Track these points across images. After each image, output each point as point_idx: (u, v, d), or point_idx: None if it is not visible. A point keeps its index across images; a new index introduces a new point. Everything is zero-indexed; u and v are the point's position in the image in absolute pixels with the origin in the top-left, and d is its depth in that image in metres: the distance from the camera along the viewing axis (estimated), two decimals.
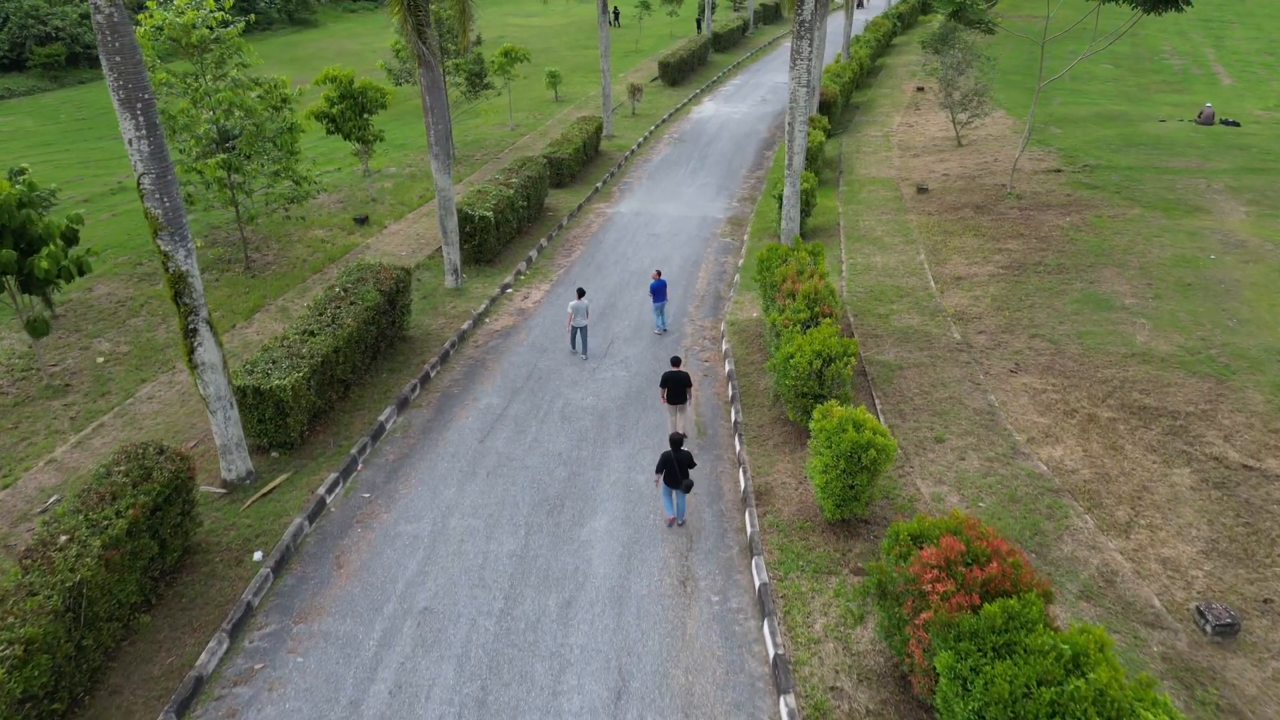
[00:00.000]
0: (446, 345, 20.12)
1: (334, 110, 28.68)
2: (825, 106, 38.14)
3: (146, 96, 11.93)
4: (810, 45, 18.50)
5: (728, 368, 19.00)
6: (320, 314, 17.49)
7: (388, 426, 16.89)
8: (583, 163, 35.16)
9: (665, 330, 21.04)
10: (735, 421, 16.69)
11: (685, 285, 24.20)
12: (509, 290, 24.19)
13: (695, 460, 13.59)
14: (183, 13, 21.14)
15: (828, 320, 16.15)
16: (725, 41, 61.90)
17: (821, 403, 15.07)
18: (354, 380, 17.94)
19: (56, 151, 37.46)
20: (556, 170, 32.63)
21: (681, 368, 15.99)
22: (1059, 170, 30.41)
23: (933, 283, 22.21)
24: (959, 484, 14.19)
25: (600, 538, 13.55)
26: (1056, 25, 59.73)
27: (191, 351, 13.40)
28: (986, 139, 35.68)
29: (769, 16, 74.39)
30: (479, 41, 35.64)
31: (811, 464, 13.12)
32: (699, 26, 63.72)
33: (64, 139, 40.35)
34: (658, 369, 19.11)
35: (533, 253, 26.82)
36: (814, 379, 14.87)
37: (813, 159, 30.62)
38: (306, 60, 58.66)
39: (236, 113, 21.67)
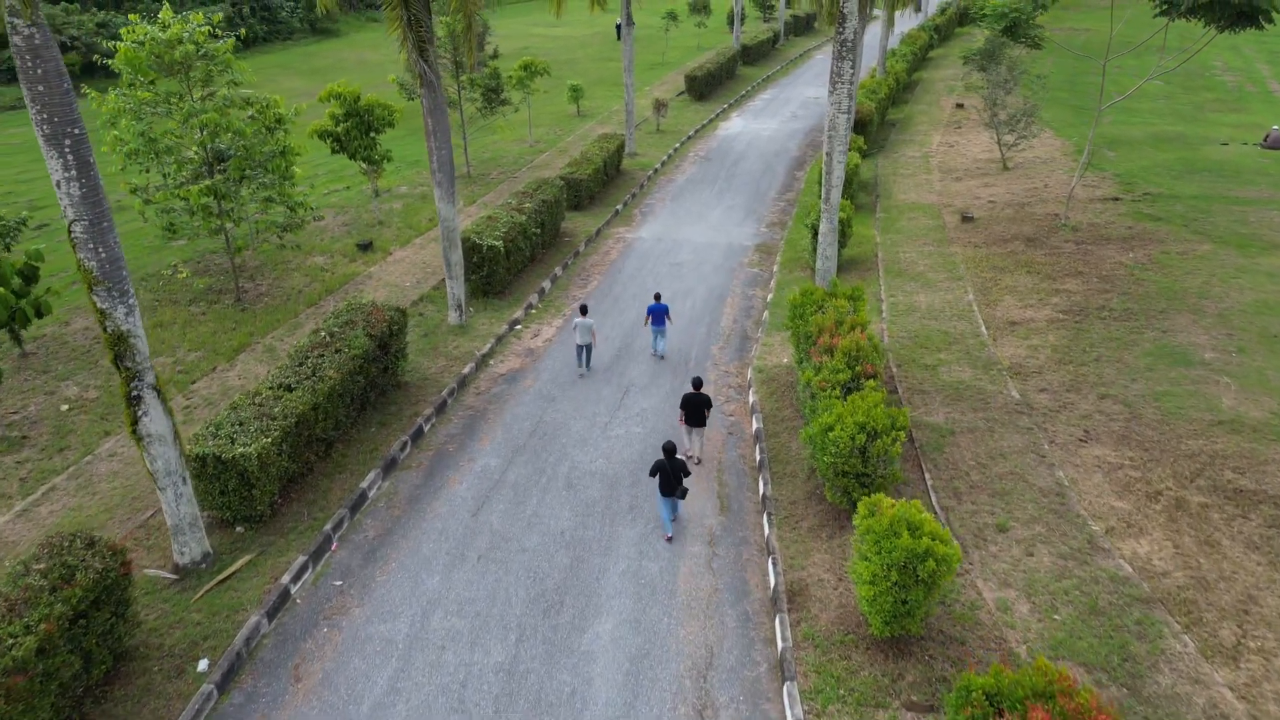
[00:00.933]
0: (444, 393, 18.24)
1: (339, 129, 27.04)
2: (860, 125, 36.03)
3: (76, 131, 10.14)
4: (853, 67, 16.48)
5: (755, 425, 16.97)
6: (300, 364, 15.67)
7: (370, 495, 15.01)
8: (603, 183, 33.31)
9: (663, 356, 20.02)
10: (763, 495, 14.65)
11: (709, 323, 22.20)
12: (518, 327, 22.31)
13: (689, 469, 13.81)
14: (167, 27, 19.48)
15: (871, 383, 14.09)
16: (754, 54, 59.97)
17: (865, 485, 13.04)
18: (338, 437, 16.10)
19: None
20: (574, 192, 30.80)
21: (703, 390, 15.66)
22: (1117, 199, 28.10)
23: (984, 328, 20.04)
24: (1028, 588, 12.05)
25: (604, 647, 11.55)
26: (1104, 39, 57.23)
27: (135, 422, 11.59)
28: (1034, 162, 33.39)
29: (800, 28, 72.37)
30: (496, 55, 33.95)
31: (855, 568, 11.05)
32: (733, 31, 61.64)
33: None
34: (676, 426, 17.15)
35: (546, 283, 24.95)
36: (857, 456, 12.81)
37: (848, 183, 28.55)
38: (325, 71, 57.45)
39: (224, 134, 19.99)
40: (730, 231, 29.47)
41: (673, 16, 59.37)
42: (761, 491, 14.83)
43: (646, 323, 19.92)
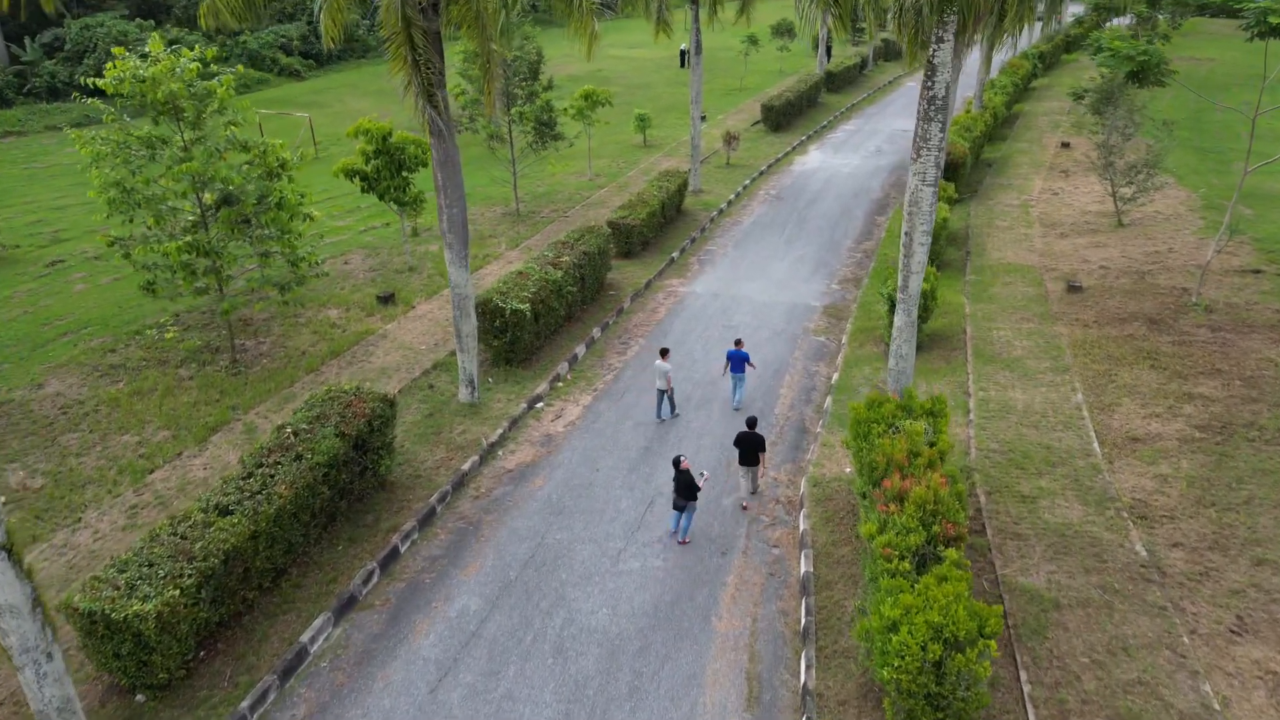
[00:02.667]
0: (434, 499, 15.42)
1: (368, 167, 24.72)
2: (952, 168, 32.17)
3: None
4: (942, 129, 13.13)
5: (803, 568, 13.64)
6: (248, 475, 13.03)
7: (313, 649, 12.20)
8: (659, 226, 30.32)
9: (738, 408, 18.83)
10: (804, 687, 11.31)
11: (761, 409, 18.93)
12: (539, 405, 19.43)
13: (700, 485, 14.16)
14: (158, 61, 17.28)
15: (954, 554, 10.67)
16: (840, 80, 56.32)
17: (939, 708, 9.63)
18: (291, 562, 13.41)
19: None
20: (625, 238, 27.90)
21: (755, 451, 15.19)
22: (1259, 271, 23.71)
23: (1096, 444, 16.25)
24: None
25: None
26: (1228, 71, 51.61)
27: None
28: (1154, 219, 29.05)
29: (890, 53, 68.32)
30: (550, 85, 31.37)
31: None
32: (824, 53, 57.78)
33: None
34: (708, 556, 13.99)
35: (580, 348, 22.03)
36: (929, 673, 9.42)
37: (934, 237, 24.89)
38: (391, 92, 55.99)
39: (217, 183, 17.69)
40: (796, 288, 26.15)
41: (753, 40, 56.21)
42: (803, 679, 11.50)
43: (725, 370, 19.02)
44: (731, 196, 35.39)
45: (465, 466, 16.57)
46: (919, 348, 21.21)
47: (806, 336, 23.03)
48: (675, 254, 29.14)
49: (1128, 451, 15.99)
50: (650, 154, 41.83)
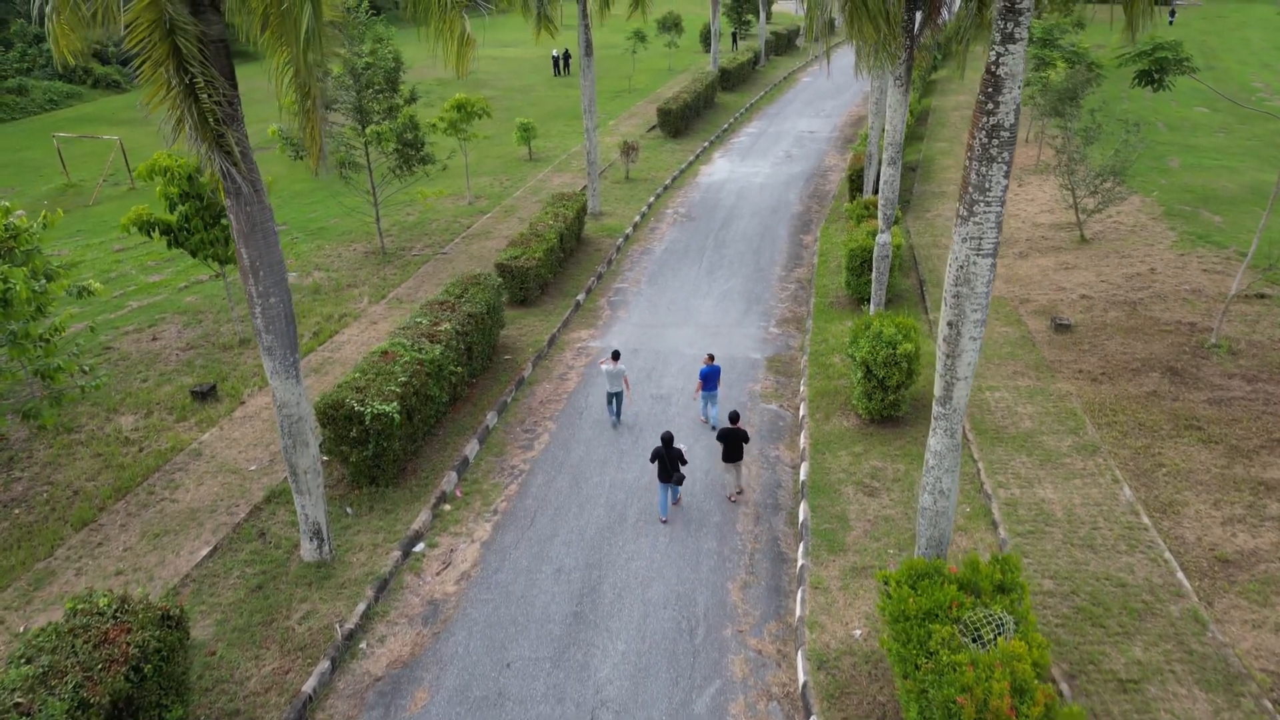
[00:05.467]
0: None
1: (173, 216, 18.72)
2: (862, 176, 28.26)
3: None
4: (1007, 174, 8.62)
5: None
6: None
7: None
8: (559, 262, 25.23)
9: (715, 428, 17.24)
10: None
11: (719, 526, 14.24)
12: (419, 549, 14.09)
13: (686, 458, 13.95)
14: None
15: None
16: (734, 78, 52.28)
17: None
18: None
19: None
20: (519, 283, 22.68)
21: (739, 447, 14.57)
22: (1263, 295, 20.46)
23: (1181, 574, 12.15)
24: None
25: None
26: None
27: None
28: (1118, 230, 25.78)
29: (780, 47, 64.92)
30: (414, 98, 25.76)
31: None
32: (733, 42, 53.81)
33: None
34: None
35: (471, 445, 16.79)
36: None
37: (892, 267, 20.67)
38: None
39: None
40: (730, 336, 21.59)
41: (640, 36, 51.48)
42: None
43: (696, 392, 17.62)
44: (637, 218, 30.59)
45: (309, 685, 11.11)
46: (899, 420, 16.97)
47: (755, 404, 18.47)
48: (580, 296, 24.12)
49: (1225, 583, 11.94)
50: (537, 169, 36.59)
